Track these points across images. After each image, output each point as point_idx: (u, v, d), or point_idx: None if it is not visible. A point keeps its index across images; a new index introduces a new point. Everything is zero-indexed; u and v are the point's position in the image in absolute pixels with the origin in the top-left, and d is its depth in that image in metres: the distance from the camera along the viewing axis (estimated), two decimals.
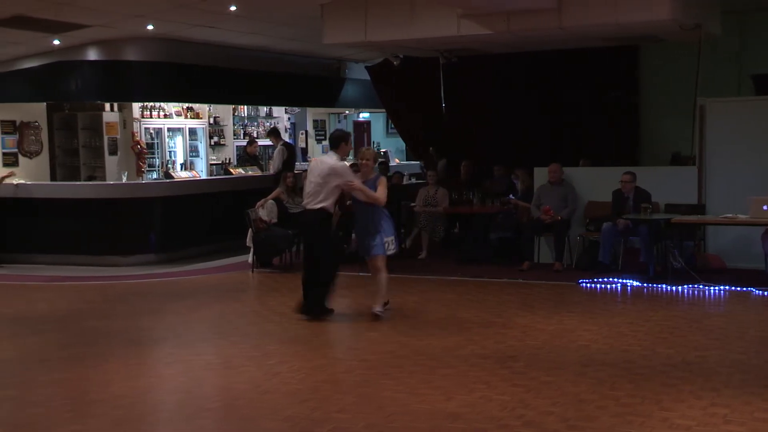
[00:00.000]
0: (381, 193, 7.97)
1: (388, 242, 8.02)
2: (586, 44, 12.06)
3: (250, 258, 11.42)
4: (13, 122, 13.16)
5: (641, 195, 10.10)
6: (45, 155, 13.63)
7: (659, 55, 13.17)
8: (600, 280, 9.77)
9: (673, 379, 5.97)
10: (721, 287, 9.12)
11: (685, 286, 9.25)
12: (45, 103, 13.54)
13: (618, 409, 5.34)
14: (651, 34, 11.31)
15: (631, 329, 7.52)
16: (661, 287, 9.33)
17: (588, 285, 9.69)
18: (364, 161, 8.24)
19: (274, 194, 11.58)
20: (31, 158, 13.35)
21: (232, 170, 14.22)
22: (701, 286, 9.17)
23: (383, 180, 8.16)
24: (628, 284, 9.58)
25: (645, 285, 9.48)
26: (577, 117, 13.56)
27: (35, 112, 13.44)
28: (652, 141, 13.39)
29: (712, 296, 8.96)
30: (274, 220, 11.37)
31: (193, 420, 5.42)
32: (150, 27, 11.32)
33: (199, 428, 5.25)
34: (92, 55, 12.27)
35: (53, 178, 13.73)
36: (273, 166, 13.72)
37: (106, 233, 12.10)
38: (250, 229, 11.33)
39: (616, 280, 9.73)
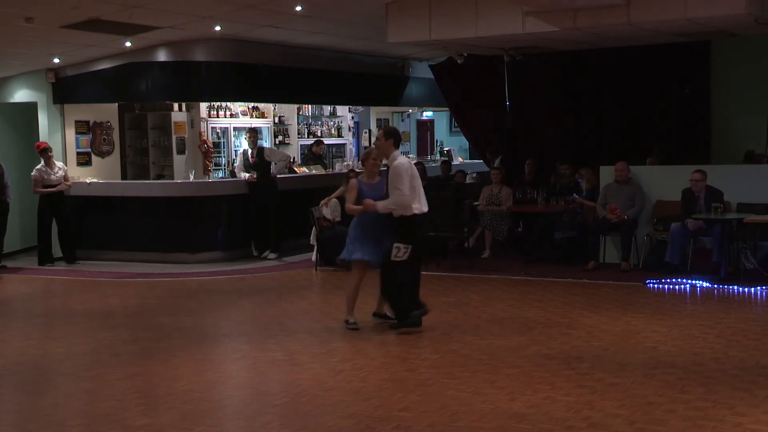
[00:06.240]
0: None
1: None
2: (655, 40, 11.79)
3: (313, 256, 11.54)
4: (87, 122, 13.51)
5: (713, 194, 9.85)
6: (116, 154, 13.95)
7: (732, 50, 12.75)
8: (668, 280, 9.56)
9: (747, 383, 5.82)
10: None
11: (759, 288, 8.99)
12: (116, 104, 13.86)
13: (688, 413, 5.22)
14: (724, 29, 11.00)
15: (701, 331, 7.34)
16: (733, 289, 9.09)
17: (656, 285, 9.50)
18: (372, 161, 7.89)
19: (337, 193, 11.66)
20: (103, 158, 13.69)
21: (296, 169, 14.36)
22: None
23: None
24: (698, 285, 9.35)
25: (716, 286, 9.24)
26: (644, 114, 13.28)
27: (108, 112, 13.77)
28: (725, 139, 13.01)
29: None
30: (338, 219, 11.46)
31: (258, 416, 5.50)
32: (218, 28, 11.50)
33: (264, 424, 5.32)
34: (162, 56, 12.52)
35: (124, 177, 14.05)
36: None
37: (175, 230, 12.38)
38: (314, 228, 11.44)
39: (685, 280, 9.51)
